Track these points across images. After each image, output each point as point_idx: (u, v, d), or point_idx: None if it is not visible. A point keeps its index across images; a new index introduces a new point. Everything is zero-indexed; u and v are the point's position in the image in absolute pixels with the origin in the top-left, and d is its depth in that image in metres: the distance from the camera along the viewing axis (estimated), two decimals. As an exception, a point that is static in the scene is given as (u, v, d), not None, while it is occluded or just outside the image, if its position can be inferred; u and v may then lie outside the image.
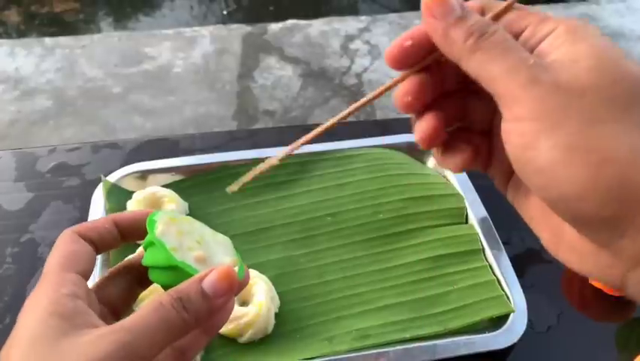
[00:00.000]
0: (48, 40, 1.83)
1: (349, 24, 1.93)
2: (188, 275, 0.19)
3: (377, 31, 1.89)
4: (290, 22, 1.92)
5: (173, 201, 0.39)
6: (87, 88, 1.61)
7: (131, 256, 0.22)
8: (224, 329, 0.32)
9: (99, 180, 0.42)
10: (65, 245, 0.20)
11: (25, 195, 0.45)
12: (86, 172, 0.47)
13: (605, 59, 0.15)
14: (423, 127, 0.18)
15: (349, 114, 0.20)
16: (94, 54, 1.76)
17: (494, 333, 0.33)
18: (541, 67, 0.15)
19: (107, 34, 1.89)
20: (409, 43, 0.17)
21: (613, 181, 0.14)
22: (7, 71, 1.67)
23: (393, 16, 2.00)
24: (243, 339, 0.32)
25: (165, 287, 0.19)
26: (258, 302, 0.32)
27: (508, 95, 0.15)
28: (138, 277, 0.22)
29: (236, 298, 0.33)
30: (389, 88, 0.18)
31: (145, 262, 0.20)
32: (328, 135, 0.49)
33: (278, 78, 1.65)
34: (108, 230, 0.21)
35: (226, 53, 1.76)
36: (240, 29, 1.89)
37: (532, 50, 0.16)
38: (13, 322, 0.38)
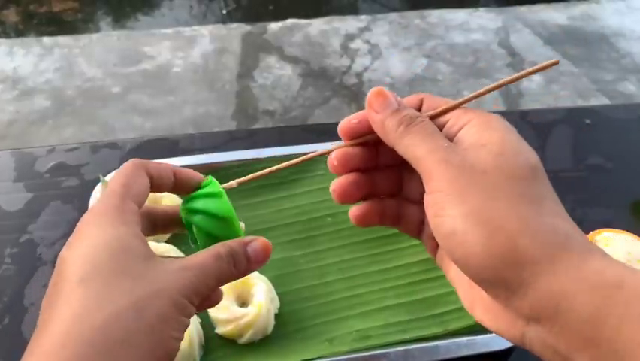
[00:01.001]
0: (47, 39, 1.83)
1: (349, 23, 1.92)
2: (233, 232, 0.22)
3: (377, 31, 1.89)
4: (290, 21, 1.92)
5: (172, 202, 0.39)
6: (86, 88, 1.60)
7: (149, 205, 0.23)
8: (224, 330, 0.32)
9: (98, 180, 0.42)
10: (133, 173, 0.21)
11: (24, 195, 0.44)
12: (85, 172, 0.47)
13: (508, 146, 0.19)
14: (335, 182, 0.22)
15: (292, 165, 0.24)
16: (93, 54, 1.75)
17: (495, 334, 0.33)
18: (453, 150, 0.19)
19: (105, 34, 1.89)
20: (355, 121, 0.21)
21: (503, 247, 0.17)
22: (6, 70, 1.67)
23: (393, 15, 1.99)
24: (242, 340, 0.32)
25: (204, 234, 0.22)
26: (258, 303, 0.32)
27: (427, 172, 0.19)
28: (150, 225, 0.23)
29: (235, 299, 0.33)
30: (327, 153, 0.22)
31: (196, 205, 0.22)
32: (329, 135, 0.49)
33: (278, 78, 1.65)
34: (167, 175, 0.22)
35: (225, 53, 1.76)
36: (239, 29, 1.89)
37: (452, 137, 0.20)
38: (12, 322, 0.38)
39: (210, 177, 0.24)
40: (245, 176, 0.24)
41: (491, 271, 0.17)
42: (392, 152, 0.20)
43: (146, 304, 0.17)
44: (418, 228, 0.23)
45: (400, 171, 0.23)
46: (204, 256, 0.20)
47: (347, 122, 0.22)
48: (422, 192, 0.20)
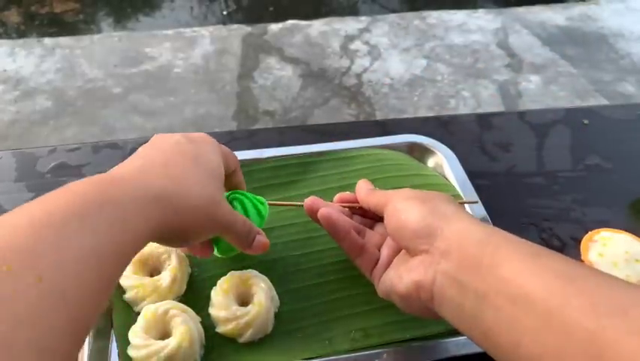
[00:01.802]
0: (48, 40, 1.83)
1: (349, 24, 1.93)
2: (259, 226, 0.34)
3: (377, 32, 1.89)
4: (290, 22, 1.92)
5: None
6: (87, 88, 1.61)
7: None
8: (225, 329, 0.32)
9: (99, 181, 0.42)
10: (231, 155, 0.33)
11: (25, 195, 0.45)
12: (86, 172, 0.47)
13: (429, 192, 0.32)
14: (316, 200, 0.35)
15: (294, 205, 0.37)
16: (94, 54, 1.76)
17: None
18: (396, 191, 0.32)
19: (107, 35, 1.89)
20: (347, 194, 0.36)
21: (430, 208, 0.28)
22: (8, 71, 1.68)
23: (392, 16, 2.00)
24: (242, 339, 0.32)
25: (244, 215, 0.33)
26: (258, 302, 0.32)
27: (389, 199, 0.30)
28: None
29: (236, 298, 0.34)
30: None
31: (252, 199, 0.34)
32: (329, 136, 0.49)
33: (278, 79, 1.65)
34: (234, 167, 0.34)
35: (226, 54, 1.76)
36: (239, 30, 1.89)
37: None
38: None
39: (264, 202, 0.35)
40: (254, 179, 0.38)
41: (422, 221, 0.27)
42: (365, 213, 0.35)
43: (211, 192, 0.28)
44: (374, 263, 0.32)
45: (374, 223, 0.35)
46: (238, 215, 0.31)
47: (342, 195, 0.35)
48: (382, 242, 0.33)
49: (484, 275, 0.23)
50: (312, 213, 0.33)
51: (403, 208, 0.29)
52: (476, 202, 0.39)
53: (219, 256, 0.35)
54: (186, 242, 0.28)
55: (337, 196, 0.35)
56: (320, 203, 0.34)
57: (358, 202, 0.34)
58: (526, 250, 0.23)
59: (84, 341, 0.20)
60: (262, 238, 0.32)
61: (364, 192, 0.34)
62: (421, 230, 0.27)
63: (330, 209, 0.32)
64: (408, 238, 0.28)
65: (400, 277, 0.28)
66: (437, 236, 0.26)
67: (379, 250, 0.32)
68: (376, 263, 0.31)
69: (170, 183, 0.26)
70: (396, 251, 0.31)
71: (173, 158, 0.28)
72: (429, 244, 0.26)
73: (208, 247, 0.33)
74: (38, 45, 1.81)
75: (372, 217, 0.35)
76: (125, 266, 0.23)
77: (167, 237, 0.26)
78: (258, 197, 0.35)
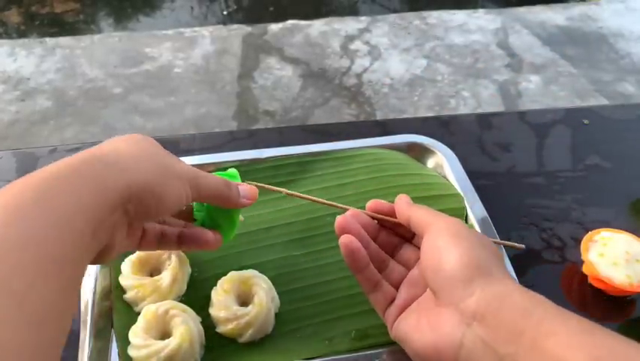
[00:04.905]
0: (48, 40, 1.83)
1: (349, 24, 1.93)
2: (229, 218, 0.31)
3: (377, 32, 1.89)
4: (290, 22, 1.92)
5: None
6: (87, 88, 1.61)
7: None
8: (225, 329, 0.32)
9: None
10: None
11: (25, 195, 0.45)
12: (87, 172, 0.47)
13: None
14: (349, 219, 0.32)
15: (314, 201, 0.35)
16: (94, 54, 1.76)
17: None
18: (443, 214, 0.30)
19: (107, 35, 1.89)
20: (382, 203, 0.32)
21: (475, 259, 0.25)
22: (8, 71, 1.68)
23: (393, 16, 2.00)
24: (242, 339, 0.32)
25: (205, 211, 0.32)
26: (258, 302, 0.33)
27: (429, 223, 0.28)
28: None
29: (236, 298, 0.34)
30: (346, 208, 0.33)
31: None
32: (328, 136, 0.49)
33: (278, 79, 1.65)
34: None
35: (226, 54, 1.76)
36: (240, 30, 1.89)
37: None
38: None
39: (234, 170, 0.32)
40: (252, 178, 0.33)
41: (461, 271, 0.25)
42: (400, 230, 0.32)
43: (161, 160, 0.27)
44: (389, 301, 0.30)
45: (401, 244, 0.32)
46: (210, 175, 0.29)
47: (376, 202, 0.32)
48: (413, 261, 0.31)
49: (527, 348, 0.21)
50: (342, 231, 0.31)
51: (445, 247, 0.26)
52: (522, 248, 0.35)
53: (225, 234, 0.32)
54: (164, 205, 0.26)
55: (371, 204, 0.32)
56: (355, 215, 0.31)
57: (391, 215, 0.32)
58: (576, 324, 0.21)
59: (48, 335, 0.18)
60: (245, 187, 0.31)
61: (404, 205, 0.31)
62: (457, 279, 0.24)
63: (353, 238, 0.29)
64: (440, 282, 0.25)
65: (420, 331, 0.26)
66: (473, 294, 0.24)
67: (397, 288, 0.30)
68: (391, 302, 0.29)
69: (101, 150, 0.25)
70: (416, 295, 0.28)
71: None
72: (460, 299, 0.24)
73: (211, 233, 0.31)
74: (39, 45, 1.81)
75: (402, 235, 0.32)
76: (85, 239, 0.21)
77: (137, 201, 0.24)
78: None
